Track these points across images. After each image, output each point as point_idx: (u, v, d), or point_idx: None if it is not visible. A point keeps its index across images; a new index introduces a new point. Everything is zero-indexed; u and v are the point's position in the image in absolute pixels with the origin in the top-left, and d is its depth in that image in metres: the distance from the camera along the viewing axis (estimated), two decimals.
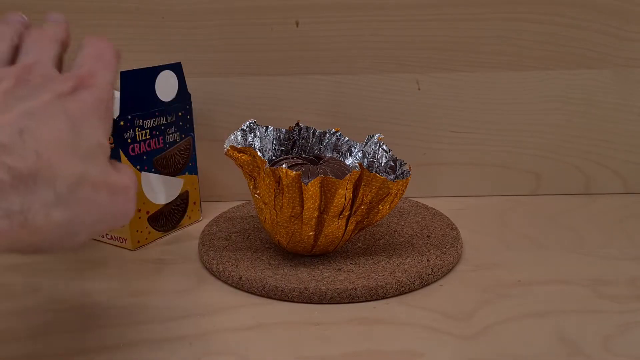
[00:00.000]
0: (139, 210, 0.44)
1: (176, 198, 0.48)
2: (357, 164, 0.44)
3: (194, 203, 0.49)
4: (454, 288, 0.38)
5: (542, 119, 0.53)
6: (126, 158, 0.43)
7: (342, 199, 0.37)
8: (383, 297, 0.37)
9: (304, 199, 0.36)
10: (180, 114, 0.47)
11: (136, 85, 0.43)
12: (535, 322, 0.34)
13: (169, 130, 0.46)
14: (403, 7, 0.50)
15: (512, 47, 0.51)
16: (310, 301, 0.37)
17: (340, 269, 0.39)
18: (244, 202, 0.53)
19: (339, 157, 0.45)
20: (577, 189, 0.56)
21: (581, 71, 0.52)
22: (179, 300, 0.37)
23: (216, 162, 0.54)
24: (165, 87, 0.45)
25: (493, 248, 0.44)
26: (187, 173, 0.48)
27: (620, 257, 0.43)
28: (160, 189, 0.46)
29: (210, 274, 0.41)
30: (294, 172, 0.36)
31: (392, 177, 0.42)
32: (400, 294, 0.38)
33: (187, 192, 0.48)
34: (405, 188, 0.39)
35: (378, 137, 0.44)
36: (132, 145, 0.43)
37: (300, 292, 0.37)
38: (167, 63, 0.45)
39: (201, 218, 0.51)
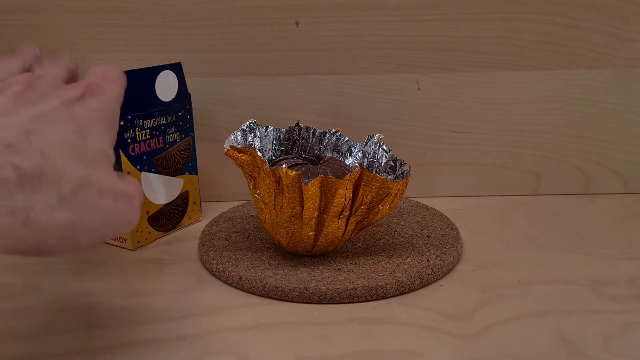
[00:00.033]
0: None
1: (176, 198, 0.48)
2: (357, 164, 0.44)
3: (194, 203, 0.49)
4: (454, 288, 0.38)
5: (542, 119, 0.53)
6: (126, 158, 0.43)
7: (342, 199, 0.37)
8: (383, 297, 0.37)
9: (304, 199, 0.37)
10: (180, 114, 0.47)
11: (136, 85, 0.43)
12: (535, 322, 0.34)
13: (169, 130, 0.46)
14: (403, 7, 0.50)
15: (512, 47, 0.51)
16: (310, 301, 0.37)
17: (340, 269, 0.39)
18: (244, 202, 0.53)
19: (339, 157, 0.45)
20: (577, 189, 0.56)
21: (581, 71, 0.52)
22: (179, 300, 0.37)
23: (216, 162, 0.54)
24: (165, 87, 0.45)
25: (493, 248, 0.44)
26: (187, 173, 0.48)
27: (620, 257, 0.43)
28: (160, 189, 0.46)
29: (210, 274, 0.41)
30: (294, 172, 0.36)
31: (392, 177, 0.42)
32: (400, 294, 0.38)
33: (187, 192, 0.48)
34: (405, 188, 0.39)
35: (378, 137, 0.44)
36: (132, 145, 0.43)
37: (300, 292, 0.37)
38: (167, 63, 0.45)
39: (201, 218, 0.51)
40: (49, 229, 0.24)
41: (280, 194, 0.37)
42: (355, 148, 0.45)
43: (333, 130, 0.46)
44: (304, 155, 0.45)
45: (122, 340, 0.33)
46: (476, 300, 0.37)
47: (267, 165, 0.37)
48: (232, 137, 0.42)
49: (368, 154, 0.44)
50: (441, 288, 0.39)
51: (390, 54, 0.52)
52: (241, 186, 0.54)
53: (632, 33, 0.51)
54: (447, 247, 0.42)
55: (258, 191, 0.39)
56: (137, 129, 0.43)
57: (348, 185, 0.36)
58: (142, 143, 0.44)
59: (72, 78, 0.31)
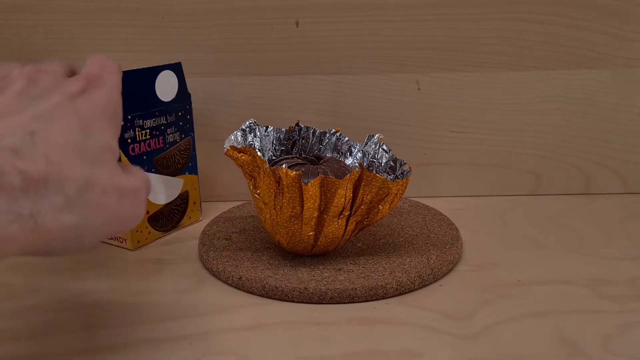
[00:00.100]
0: None
1: (176, 198, 0.48)
2: (357, 164, 0.44)
3: (194, 203, 0.49)
4: (454, 288, 0.38)
5: (542, 119, 0.53)
6: (126, 158, 0.43)
7: (342, 199, 0.37)
8: (383, 297, 0.37)
9: (304, 199, 0.36)
10: (180, 114, 0.47)
11: (136, 85, 0.43)
12: (535, 322, 0.34)
13: (169, 130, 0.46)
14: (403, 7, 0.50)
15: (512, 47, 0.51)
16: (310, 301, 0.37)
17: (340, 269, 0.39)
18: (244, 202, 0.53)
19: (339, 157, 0.45)
20: (577, 189, 0.56)
21: (581, 71, 0.52)
22: (179, 300, 0.37)
23: (216, 162, 0.54)
24: (165, 87, 0.45)
25: (493, 248, 0.44)
26: (187, 173, 0.48)
27: (620, 257, 0.43)
28: (160, 189, 0.46)
29: (210, 274, 0.41)
30: (294, 172, 0.36)
31: (392, 177, 0.42)
32: (400, 294, 0.38)
33: (187, 192, 0.48)
34: (405, 188, 0.39)
35: (378, 137, 0.44)
36: (132, 145, 0.43)
37: (300, 292, 0.37)
38: (167, 63, 0.45)
39: (201, 218, 0.51)
40: (56, 232, 0.24)
41: (280, 194, 0.37)
42: (355, 148, 0.45)
43: (333, 130, 0.46)
44: (304, 155, 0.45)
45: (122, 340, 0.33)
46: (476, 300, 0.37)
47: (267, 165, 0.37)
48: (232, 137, 0.42)
49: (368, 154, 0.44)
50: (441, 288, 0.39)
51: (390, 54, 0.52)
52: (241, 186, 0.54)
53: (632, 33, 0.51)
54: (447, 247, 0.42)
55: (258, 191, 0.39)
56: (137, 129, 0.43)
57: (348, 185, 0.36)
58: (142, 143, 0.44)
59: (71, 73, 0.31)
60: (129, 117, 0.43)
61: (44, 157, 0.24)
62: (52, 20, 0.51)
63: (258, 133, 0.44)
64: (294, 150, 0.46)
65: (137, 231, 0.45)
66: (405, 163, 0.41)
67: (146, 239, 0.46)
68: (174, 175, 0.47)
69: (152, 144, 0.45)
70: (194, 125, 0.48)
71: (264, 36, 0.51)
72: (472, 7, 0.50)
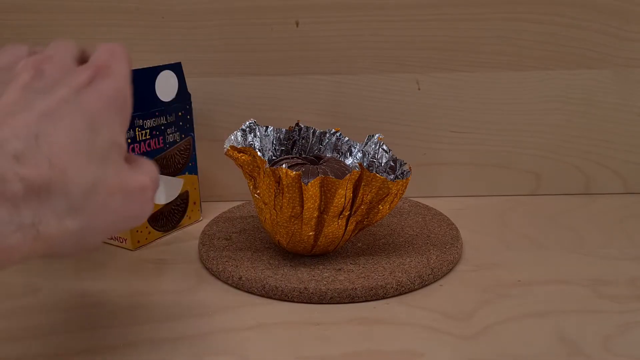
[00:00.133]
0: None
1: (176, 198, 0.48)
2: (357, 164, 0.44)
3: (194, 203, 0.49)
4: (454, 288, 0.38)
5: (542, 119, 0.53)
6: None
7: (342, 199, 0.37)
8: (383, 297, 0.37)
9: (304, 199, 0.36)
10: (180, 114, 0.47)
11: (136, 85, 0.42)
12: (535, 322, 0.34)
13: (169, 130, 0.46)
14: (403, 7, 0.50)
15: (512, 47, 0.51)
16: (310, 301, 0.37)
17: (340, 269, 0.39)
18: (244, 202, 0.53)
19: (339, 157, 0.45)
20: (577, 189, 0.56)
21: (581, 71, 0.52)
22: (179, 300, 0.37)
23: (216, 162, 0.54)
24: (165, 87, 0.45)
25: (493, 248, 0.44)
26: (187, 173, 0.48)
27: (620, 257, 0.42)
28: (160, 189, 0.46)
29: (210, 274, 0.41)
30: (294, 172, 0.36)
31: (392, 177, 0.42)
32: (400, 294, 0.38)
33: (187, 192, 0.48)
34: (405, 188, 0.39)
35: (378, 137, 0.44)
36: (132, 146, 0.43)
37: (300, 292, 0.37)
38: (167, 63, 0.45)
39: (201, 218, 0.51)
40: (60, 237, 0.24)
41: (280, 194, 0.37)
42: (355, 148, 0.45)
43: (333, 130, 0.46)
44: (304, 155, 0.45)
45: (122, 340, 0.33)
46: (476, 300, 0.37)
47: (267, 165, 0.37)
48: (232, 137, 0.42)
49: (368, 154, 0.44)
50: (441, 288, 0.39)
51: (390, 54, 0.52)
52: (241, 186, 0.54)
53: (632, 33, 0.51)
54: (447, 247, 0.42)
55: (258, 191, 0.39)
56: (137, 129, 0.43)
57: (348, 185, 0.36)
58: (142, 143, 0.44)
59: (83, 57, 0.30)
60: None
61: (47, 161, 0.23)
62: (52, 20, 0.51)
63: (258, 133, 0.44)
64: (294, 150, 0.46)
65: (137, 231, 0.45)
66: (405, 163, 0.41)
67: (146, 239, 0.46)
68: (174, 175, 0.47)
69: (152, 144, 0.45)
70: (194, 125, 0.48)
71: (264, 36, 0.51)
72: (472, 7, 0.50)
